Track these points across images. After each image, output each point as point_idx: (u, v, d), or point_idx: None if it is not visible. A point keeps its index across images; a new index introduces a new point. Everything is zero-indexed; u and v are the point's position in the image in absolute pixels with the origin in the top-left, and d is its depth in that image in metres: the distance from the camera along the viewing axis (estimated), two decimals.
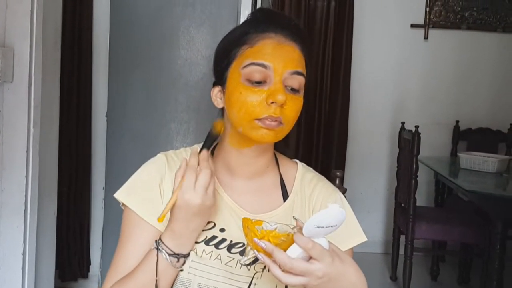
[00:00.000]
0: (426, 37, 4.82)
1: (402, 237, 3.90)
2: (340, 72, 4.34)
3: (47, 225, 2.63)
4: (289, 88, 1.15)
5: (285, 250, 0.98)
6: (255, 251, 1.00)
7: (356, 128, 4.68)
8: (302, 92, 1.18)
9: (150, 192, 1.22)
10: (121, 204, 1.24)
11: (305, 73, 1.18)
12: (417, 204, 3.71)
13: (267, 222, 1.02)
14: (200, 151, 1.13)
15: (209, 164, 1.11)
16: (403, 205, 3.89)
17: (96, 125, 3.55)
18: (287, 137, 1.20)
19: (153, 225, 1.19)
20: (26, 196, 2.21)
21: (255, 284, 1.16)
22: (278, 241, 0.99)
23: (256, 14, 1.25)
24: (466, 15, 4.82)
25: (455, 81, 4.89)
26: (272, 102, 1.12)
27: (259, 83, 1.14)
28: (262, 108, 1.12)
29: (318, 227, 0.97)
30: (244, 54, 1.16)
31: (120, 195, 1.23)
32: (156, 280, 1.12)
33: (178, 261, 1.13)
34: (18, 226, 2.20)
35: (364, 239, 1.27)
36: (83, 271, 3.56)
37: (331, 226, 0.98)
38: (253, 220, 1.02)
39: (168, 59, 3.36)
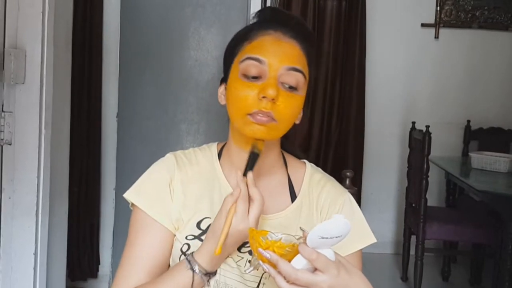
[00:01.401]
0: (437, 37, 4.80)
1: (413, 238, 3.89)
2: (353, 72, 4.33)
3: (58, 225, 2.65)
4: (287, 86, 1.14)
5: (290, 261, 0.97)
6: (260, 261, 1.00)
7: (367, 128, 4.66)
8: (302, 91, 1.17)
9: (160, 191, 1.22)
10: (130, 205, 1.25)
11: (305, 72, 1.17)
12: (428, 204, 3.69)
13: (272, 233, 1.02)
14: (244, 174, 1.12)
15: (258, 191, 1.10)
16: (414, 205, 3.88)
17: (106, 126, 3.56)
18: (294, 137, 1.20)
19: (163, 224, 1.20)
20: (37, 196, 2.22)
21: (263, 284, 1.17)
22: (283, 252, 0.98)
23: (261, 12, 1.26)
24: (477, 14, 4.79)
25: (466, 81, 4.86)
26: (263, 97, 1.11)
27: (256, 78, 1.14)
28: (253, 102, 1.12)
29: (322, 238, 0.96)
30: (244, 50, 1.18)
31: (129, 195, 1.24)
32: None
33: (209, 279, 1.14)
34: (30, 226, 2.22)
35: (374, 240, 1.26)
36: (93, 271, 3.58)
37: (336, 237, 0.97)
38: (258, 230, 1.02)
39: (178, 60, 3.36)
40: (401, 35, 4.80)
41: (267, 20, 1.21)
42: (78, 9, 3.28)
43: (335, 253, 1.00)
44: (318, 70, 1.21)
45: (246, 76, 1.14)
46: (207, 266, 1.12)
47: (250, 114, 1.13)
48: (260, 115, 1.12)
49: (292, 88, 1.14)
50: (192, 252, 1.14)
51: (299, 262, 0.97)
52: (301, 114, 1.23)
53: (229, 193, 1.11)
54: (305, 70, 1.17)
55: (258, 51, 1.15)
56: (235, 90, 1.15)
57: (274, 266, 0.97)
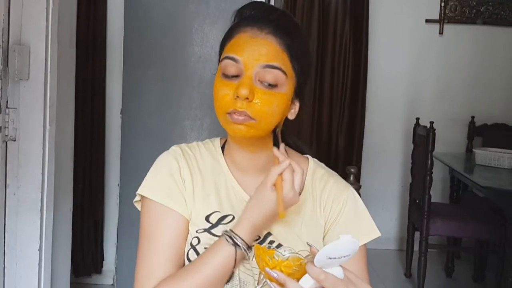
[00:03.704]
0: (441, 32, 4.79)
1: (417, 234, 3.88)
2: (358, 68, 4.33)
3: (63, 221, 2.65)
4: (266, 84, 1.14)
5: (297, 280, 0.97)
6: (267, 280, 1.00)
7: (370, 124, 4.66)
8: (283, 87, 1.16)
9: (173, 181, 1.23)
10: (134, 200, 1.26)
11: (285, 67, 1.15)
12: (432, 200, 3.69)
13: (279, 251, 1.02)
14: (277, 146, 1.16)
15: (297, 164, 1.14)
16: (417, 201, 3.87)
17: (110, 122, 3.57)
18: (298, 131, 1.20)
19: (180, 212, 1.20)
20: (42, 192, 2.22)
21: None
22: (290, 271, 0.98)
23: (242, 8, 1.25)
24: (481, 9, 4.78)
25: (471, 77, 4.85)
26: (237, 96, 1.12)
27: (236, 77, 1.14)
28: (230, 102, 1.13)
29: (330, 258, 0.95)
30: (225, 49, 1.19)
31: (143, 190, 1.24)
32: (233, 272, 1.15)
33: (247, 253, 1.14)
34: (35, 222, 2.22)
35: (378, 234, 1.26)
36: (97, 267, 3.59)
37: (344, 257, 0.96)
38: (265, 249, 1.02)
39: (182, 56, 3.36)
40: (406, 31, 4.79)
41: (247, 16, 1.20)
42: (82, 5, 3.29)
43: (344, 268, 1.00)
44: (309, 62, 1.16)
45: (225, 75, 1.15)
46: (247, 238, 1.13)
47: (228, 113, 1.14)
48: (237, 114, 1.13)
49: (271, 86, 1.14)
50: (229, 229, 1.14)
51: (307, 281, 0.97)
52: (295, 109, 1.23)
53: (274, 166, 1.12)
54: (285, 65, 1.15)
55: (234, 50, 1.15)
56: (215, 90, 1.17)
57: (281, 285, 0.97)
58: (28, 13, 2.13)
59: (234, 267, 1.13)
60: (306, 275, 0.97)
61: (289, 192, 1.11)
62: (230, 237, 1.12)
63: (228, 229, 1.14)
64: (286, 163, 1.11)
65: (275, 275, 0.97)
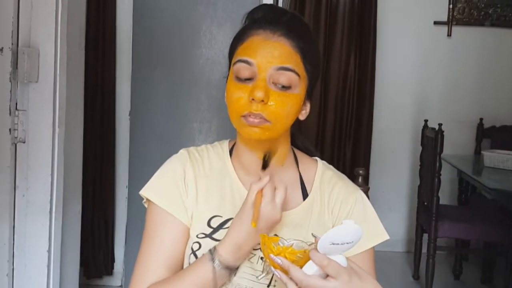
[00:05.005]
0: (449, 34, 4.78)
1: (425, 236, 3.87)
2: (366, 70, 4.32)
3: (72, 223, 2.66)
4: (280, 86, 1.14)
5: (301, 267, 0.97)
6: (272, 267, 1.00)
7: (378, 125, 4.64)
8: (297, 88, 1.16)
9: (175, 187, 1.23)
10: (144, 201, 1.26)
11: (298, 69, 1.16)
12: (440, 202, 3.68)
13: (284, 239, 1.02)
14: (263, 168, 1.17)
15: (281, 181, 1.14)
16: (426, 203, 3.86)
17: (119, 123, 3.58)
18: (306, 134, 1.21)
19: (180, 219, 1.20)
20: (51, 194, 2.24)
21: (275, 280, 1.16)
22: (294, 258, 0.99)
23: (253, 11, 1.24)
24: (489, 11, 4.76)
25: (479, 79, 4.83)
26: (253, 99, 1.12)
27: (249, 79, 1.14)
28: (245, 105, 1.13)
29: (333, 244, 0.96)
30: (237, 52, 1.18)
31: (145, 192, 1.25)
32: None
33: (230, 273, 1.14)
34: (44, 224, 2.23)
35: (386, 237, 1.26)
36: (108, 268, 3.60)
37: (347, 243, 0.97)
38: (269, 236, 1.03)
39: (190, 58, 3.38)
40: (414, 33, 4.78)
41: (258, 19, 1.20)
42: (91, 8, 3.30)
43: (347, 258, 1.00)
44: (318, 63, 1.17)
45: (239, 78, 1.15)
46: (229, 258, 1.12)
47: (243, 116, 1.14)
48: (252, 117, 1.13)
49: (285, 88, 1.14)
50: (214, 246, 1.14)
51: (310, 268, 0.97)
52: (306, 110, 1.23)
53: (253, 182, 1.12)
54: (298, 67, 1.16)
55: (247, 53, 1.15)
56: (229, 93, 1.16)
57: (285, 272, 0.98)
58: (37, 16, 2.14)
59: (215, 284, 1.13)
60: (310, 261, 0.97)
61: (267, 205, 1.10)
62: (211, 253, 1.13)
63: (213, 246, 1.14)
64: (266, 179, 1.11)
65: (279, 261, 0.98)
